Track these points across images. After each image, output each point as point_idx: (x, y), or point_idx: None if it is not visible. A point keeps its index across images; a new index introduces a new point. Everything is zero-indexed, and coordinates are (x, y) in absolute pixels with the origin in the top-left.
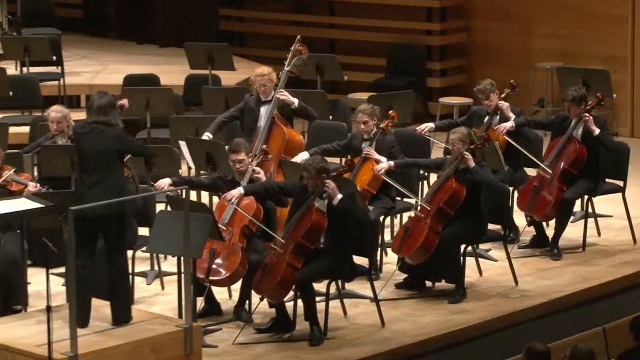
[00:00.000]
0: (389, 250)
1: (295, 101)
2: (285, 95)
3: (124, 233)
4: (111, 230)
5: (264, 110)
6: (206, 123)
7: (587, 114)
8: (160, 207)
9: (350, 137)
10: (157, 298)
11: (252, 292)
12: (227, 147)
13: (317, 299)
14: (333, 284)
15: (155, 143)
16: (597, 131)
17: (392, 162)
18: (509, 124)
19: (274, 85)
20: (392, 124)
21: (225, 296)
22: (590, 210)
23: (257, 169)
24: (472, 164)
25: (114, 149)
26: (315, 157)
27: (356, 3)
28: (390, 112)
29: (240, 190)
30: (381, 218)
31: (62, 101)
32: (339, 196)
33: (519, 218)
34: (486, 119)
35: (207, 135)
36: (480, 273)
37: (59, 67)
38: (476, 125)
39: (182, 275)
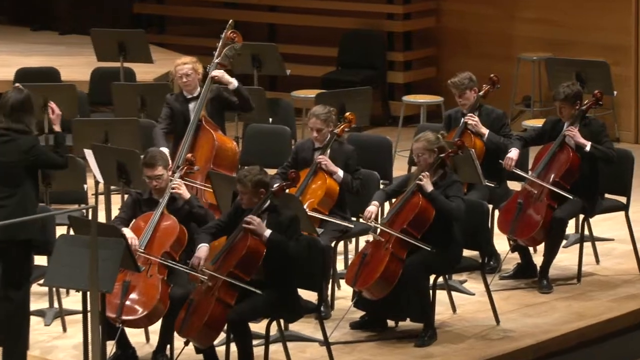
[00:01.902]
0: (342, 282)
1: (234, 81)
2: (219, 73)
3: (25, 264)
4: (9, 259)
5: (193, 107)
6: (117, 127)
7: (571, 128)
8: (61, 230)
9: (297, 149)
10: (58, 342)
11: (175, 334)
12: (142, 156)
13: (255, 342)
14: (274, 324)
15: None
16: (587, 146)
17: (377, 202)
18: (515, 154)
19: (200, 78)
20: (349, 128)
21: (142, 339)
22: (586, 232)
23: (177, 182)
24: (429, 188)
25: (25, 162)
26: (252, 168)
27: None
28: (348, 114)
29: (205, 248)
30: (333, 243)
31: None
32: (267, 233)
33: (501, 242)
34: (462, 121)
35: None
36: (454, 309)
37: None
38: (452, 129)
39: (89, 314)
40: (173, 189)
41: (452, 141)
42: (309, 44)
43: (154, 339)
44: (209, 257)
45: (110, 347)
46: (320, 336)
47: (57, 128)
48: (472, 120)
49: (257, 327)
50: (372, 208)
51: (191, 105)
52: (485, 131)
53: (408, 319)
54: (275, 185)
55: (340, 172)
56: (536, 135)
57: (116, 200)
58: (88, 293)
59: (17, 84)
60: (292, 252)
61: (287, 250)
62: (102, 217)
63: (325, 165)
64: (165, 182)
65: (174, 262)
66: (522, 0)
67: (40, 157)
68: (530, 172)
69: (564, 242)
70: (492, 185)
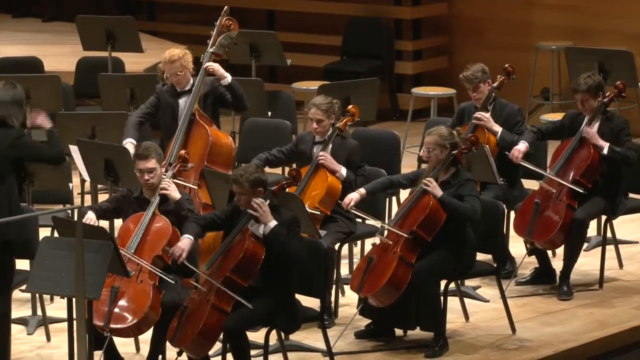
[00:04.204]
0: (347, 288)
1: (228, 76)
2: (214, 65)
3: (5, 268)
4: None
5: (183, 103)
6: (105, 121)
7: (588, 129)
8: (44, 232)
9: (297, 140)
10: (42, 352)
11: (167, 344)
12: (132, 153)
13: (253, 352)
14: (274, 333)
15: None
16: (605, 148)
17: (362, 190)
18: (523, 147)
19: (191, 71)
20: (352, 122)
21: (132, 350)
22: (609, 235)
23: (167, 182)
24: (437, 193)
25: (8, 156)
26: (248, 166)
27: None
28: (350, 107)
29: (189, 239)
30: (337, 246)
31: None
32: (272, 223)
33: (517, 245)
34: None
35: (130, 143)
36: (467, 317)
37: None
38: (465, 124)
39: (74, 323)
40: (162, 189)
41: (465, 137)
42: (310, 32)
43: (145, 349)
44: (204, 261)
45: (98, 357)
46: (323, 346)
47: (47, 125)
48: (481, 121)
49: (256, 336)
50: (354, 195)
51: (181, 100)
52: (498, 129)
53: (417, 328)
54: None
55: (343, 171)
56: (554, 129)
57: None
58: (74, 300)
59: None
60: (292, 251)
61: (288, 247)
62: None
63: (326, 163)
64: (158, 177)
65: (162, 271)
66: None
67: (31, 149)
68: (548, 170)
69: (585, 245)
70: (503, 181)
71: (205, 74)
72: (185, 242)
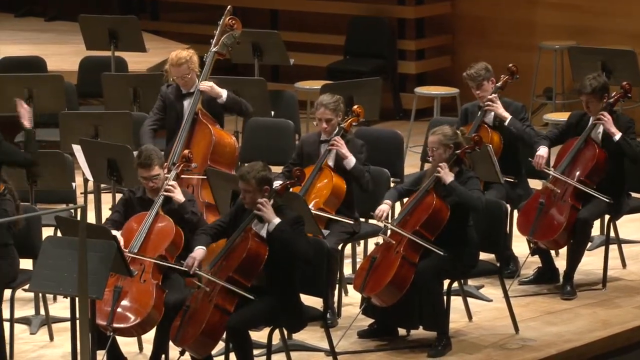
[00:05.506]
0: (350, 287)
1: (224, 93)
2: (208, 86)
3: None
4: None
5: (187, 104)
6: (108, 121)
7: (604, 113)
8: (47, 232)
9: (302, 144)
10: (44, 352)
11: (170, 343)
12: (134, 153)
13: (256, 352)
14: (277, 333)
15: (40, 148)
16: (617, 135)
17: (389, 201)
18: (544, 152)
19: (197, 73)
20: (357, 122)
21: (135, 349)
22: (612, 234)
23: (171, 184)
24: (448, 178)
25: None
26: (255, 164)
27: None
28: (356, 107)
29: (202, 250)
30: (340, 246)
31: None
32: (275, 221)
33: (520, 245)
34: (479, 114)
35: None
36: (470, 317)
37: None
38: (468, 124)
39: (77, 322)
40: (166, 191)
41: (469, 137)
42: (313, 31)
43: (148, 348)
44: (206, 261)
45: (101, 357)
46: (326, 345)
47: (26, 124)
48: (492, 105)
49: (259, 335)
50: (384, 206)
51: (186, 102)
52: (507, 115)
53: (420, 327)
54: (278, 184)
55: (352, 158)
56: (560, 133)
57: (106, 200)
58: (77, 299)
59: None
60: (299, 248)
61: (294, 244)
62: (91, 218)
63: (337, 148)
64: (162, 181)
65: (169, 264)
66: None
67: (7, 153)
68: (552, 170)
69: (589, 244)
70: (512, 180)
71: (200, 95)
72: (199, 252)
